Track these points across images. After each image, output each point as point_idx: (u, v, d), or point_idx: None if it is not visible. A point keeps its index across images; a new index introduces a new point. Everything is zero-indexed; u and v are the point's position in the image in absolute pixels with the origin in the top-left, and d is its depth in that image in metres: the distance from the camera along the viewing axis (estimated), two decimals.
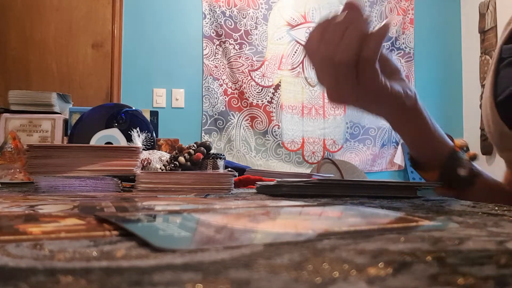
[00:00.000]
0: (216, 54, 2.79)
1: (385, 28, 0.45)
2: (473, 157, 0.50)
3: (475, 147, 2.83)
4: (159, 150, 1.04)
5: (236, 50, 2.80)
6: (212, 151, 0.93)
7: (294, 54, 2.88)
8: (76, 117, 1.22)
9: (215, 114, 2.77)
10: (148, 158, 0.88)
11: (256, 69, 2.82)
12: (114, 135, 0.96)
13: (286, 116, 2.85)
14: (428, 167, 0.58)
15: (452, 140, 0.58)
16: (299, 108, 2.87)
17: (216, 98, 2.77)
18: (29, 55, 2.39)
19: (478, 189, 0.58)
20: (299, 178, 0.70)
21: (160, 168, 0.88)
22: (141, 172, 0.68)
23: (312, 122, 2.88)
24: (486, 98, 0.53)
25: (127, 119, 1.08)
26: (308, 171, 2.67)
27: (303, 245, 0.22)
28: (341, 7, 0.47)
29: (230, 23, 2.80)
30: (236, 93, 2.80)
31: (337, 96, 0.48)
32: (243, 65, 2.80)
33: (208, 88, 2.77)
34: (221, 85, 2.79)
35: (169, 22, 2.76)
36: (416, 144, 0.57)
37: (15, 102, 1.31)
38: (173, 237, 0.24)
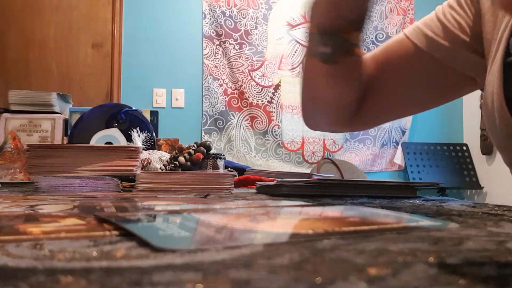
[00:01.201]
0: (216, 54, 2.79)
1: None
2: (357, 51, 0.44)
3: (475, 147, 2.84)
4: (159, 150, 1.04)
5: (236, 50, 2.80)
6: (212, 151, 0.93)
7: (294, 54, 2.88)
8: (76, 117, 1.22)
9: (215, 114, 2.77)
10: (148, 158, 0.88)
11: (256, 69, 2.82)
12: (114, 135, 0.96)
13: (286, 116, 2.85)
14: (316, 22, 0.54)
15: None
16: (299, 108, 2.87)
17: (216, 98, 2.77)
18: (29, 55, 2.40)
19: (333, 71, 0.56)
20: (299, 178, 0.70)
21: (160, 168, 0.88)
22: (141, 172, 0.68)
23: None
24: (493, 95, 0.51)
25: (127, 119, 1.08)
26: (308, 171, 2.67)
27: (303, 245, 0.22)
28: None
29: (230, 23, 2.80)
30: (236, 93, 2.80)
31: None
32: (243, 65, 2.80)
33: (208, 88, 2.77)
34: (221, 85, 2.79)
35: (169, 22, 2.76)
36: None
37: (15, 102, 1.31)
38: (173, 237, 0.24)
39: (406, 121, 2.95)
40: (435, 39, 0.59)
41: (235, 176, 0.73)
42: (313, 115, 0.70)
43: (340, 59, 0.54)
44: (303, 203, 0.46)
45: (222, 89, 2.79)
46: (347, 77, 0.59)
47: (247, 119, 2.80)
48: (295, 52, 2.89)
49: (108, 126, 1.05)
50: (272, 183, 0.64)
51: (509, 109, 0.48)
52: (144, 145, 0.94)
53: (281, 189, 0.61)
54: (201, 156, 0.89)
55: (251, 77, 2.81)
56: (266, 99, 2.83)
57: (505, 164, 0.55)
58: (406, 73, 0.62)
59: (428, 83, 0.63)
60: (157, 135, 1.36)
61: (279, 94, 2.84)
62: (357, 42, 0.53)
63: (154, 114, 1.44)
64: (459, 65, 0.59)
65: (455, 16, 0.58)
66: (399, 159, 2.93)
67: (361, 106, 0.65)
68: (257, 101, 2.81)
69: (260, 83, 2.82)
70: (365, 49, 3.06)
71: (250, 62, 2.81)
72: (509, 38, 0.51)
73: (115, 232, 0.25)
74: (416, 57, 0.61)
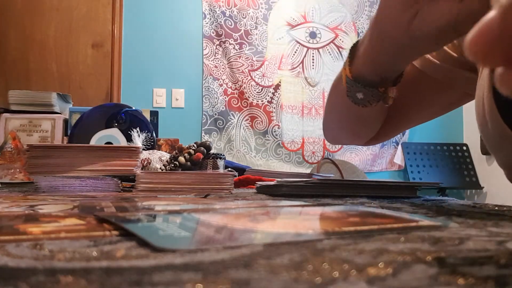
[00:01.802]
0: (216, 54, 2.79)
1: None
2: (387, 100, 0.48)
3: (475, 147, 2.84)
4: (159, 150, 1.04)
5: (236, 50, 2.80)
6: (212, 151, 0.93)
7: (294, 54, 2.88)
8: (76, 117, 1.22)
9: (215, 114, 2.77)
10: (148, 158, 0.88)
11: (256, 69, 2.82)
12: (114, 135, 0.96)
13: (286, 116, 2.85)
14: (356, 71, 0.53)
15: None
16: (299, 108, 2.87)
17: (216, 98, 2.77)
18: (29, 55, 2.39)
19: (366, 110, 0.55)
20: (299, 178, 0.70)
21: (160, 168, 0.88)
22: (141, 172, 0.68)
23: (312, 122, 2.88)
24: (483, 99, 0.52)
25: (127, 119, 1.08)
26: (308, 171, 2.67)
27: (303, 245, 0.22)
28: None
29: (230, 23, 2.80)
30: (236, 93, 2.80)
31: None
32: (243, 65, 2.80)
33: (208, 88, 2.77)
34: (221, 85, 2.79)
35: (169, 22, 2.76)
36: (377, 61, 0.51)
37: (15, 102, 1.31)
38: (173, 237, 0.24)
39: None
40: (426, 57, 0.60)
41: (235, 176, 0.73)
42: (335, 134, 0.74)
43: (372, 105, 0.54)
44: (303, 203, 0.46)
45: (222, 89, 2.79)
46: (375, 116, 0.61)
47: (247, 119, 2.80)
48: (295, 52, 2.89)
49: (108, 126, 1.05)
50: (272, 183, 0.64)
51: (499, 112, 0.49)
52: (144, 145, 0.94)
53: (281, 189, 0.61)
54: (201, 156, 0.89)
55: (251, 77, 2.81)
56: (266, 99, 2.83)
57: (498, 165, 0.56)
58: (409, 91, 0.64)
59: (427, 99, 0.65)
60: (157, 135, 1.36)
61: (279, 94, 2.84)
62: (392, 95, 0.53)
63: (154, 114, 1.44)
64: (451, 81, 0.61)
65: None
66: (399, 159, 2.93)
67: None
68: (257, 101, 2.81)
69: (260, 83, 2.82)
70: None
71: (250, 62, 2.81)
72: None
73: (115, 232, 0.25)
74: (414, 76, 0.62)
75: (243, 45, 2.81)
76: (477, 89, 0.54)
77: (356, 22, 2.96)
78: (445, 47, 0.59)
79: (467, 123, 3.01)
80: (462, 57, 0.58)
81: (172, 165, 0.87)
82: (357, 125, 0.65)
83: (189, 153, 0.89)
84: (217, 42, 2.79)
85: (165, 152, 1.01)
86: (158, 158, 0.90)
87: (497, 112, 0.49)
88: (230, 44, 2.79)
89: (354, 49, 0.53)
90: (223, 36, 2.79)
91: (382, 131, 0.67)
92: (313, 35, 2.92)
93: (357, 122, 0.64)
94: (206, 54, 2.78)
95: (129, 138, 0.92)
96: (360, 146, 2.92)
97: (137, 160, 0.69)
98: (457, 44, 0.58)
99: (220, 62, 2.79)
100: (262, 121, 2.82)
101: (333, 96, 0.64)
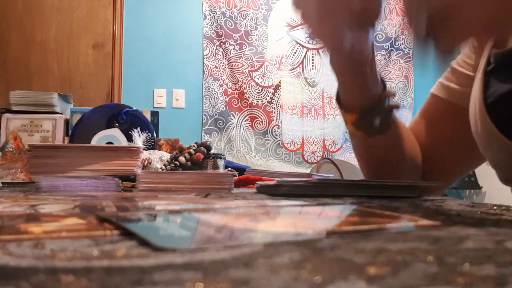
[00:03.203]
0: (216, 55, 2.79)
1: None
2: (397, 106, 0.48)
3: None
4: (160, 150, 1.04)
5: (236, 50, 2.80)
6: (212, 151, 0.93)
7: (294, 55, 2.88)
8: (77, 117, 1.22)
9: (215, 114, 2.77)
10: (149, 158, 0.88)
11: (256, 70, 2.82)
12: (114, 135, 0.96)
13: (286, 116, 2.85)
14: (350, 108, 0.57)
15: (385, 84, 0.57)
16: (299, 108, 2.87)
17: (216, 98, 2.77)
18: (30, 56, 2.40)
19: (386, 138, 0.59)
20: (299, 178, 0.70)
21: (161, 168, 0.88)
22: (142, 172, 0.68)
23: (311, 122, 2.88)
24: (476, 100, 0.54)
25: (128, 119, 1.08)
26: (308, 171, 2.67)
27: (303, 244, 0.22)
28: None
29: (230, 24, 2.80)
30: (236, 93, 2.80)
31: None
32: (243, 65, 2.81)
33: (208, 89, 2.77)
34: (221, 86, 2.79)
35: (170, 23, 2.76)
36: (350, 86, 0.55)
37: (16, 102, 1.31)
38: (173, 236, 0.24)
39: (406, 121, 2.95)
40: (454, 87, 0.63)
41: (235, 176, 0.73)
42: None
43: (385, 128, 0.56)
44: (303, 203, 0.46)
45: (222, 89, 2.79)
46: (391, 143, 0.62)
47: (247, 119, 2.80)
48: (295, 52, 2.89)
49: (109, 126, 1.05)
50: (272, 183, 0.64)
51: (488, 113, 0.52)
52: (145, 145, 0.94)
53: (281, 189, 0.61)
54: (202, 156, 0.89)
55: (251, 77, 2.81)
56: (266, 99, 2.83)
57: (491, 166, 0.57)
58: (449, 130, 0.65)
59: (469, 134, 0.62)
60: (157, 135, 1.36)
61: (279, 94, 2.84)
62: (393, 97, 0.55)
63: (155, 114, 1.44)
64: None
65: (465, 59, 0.63)
66: None
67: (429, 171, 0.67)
68: (257, 101, 2.82)
69: (260, 84, 2.82)
70: None
71: (250, 62, 2.81)
72: (491, 49, 0.55)
73: (116, 232, 0.25)
74: (450, 112, 0.64)
75: (243, 46, 2.81)
76: (472, 93, 0.57)
77: None
78: (468, 72, 0.61)
79: None
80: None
81: (173, 165, 0.87)
82: (383, 168, 0.65)
83: (190, 153, 0.89)
84: (217, 43, 2.79)
85: (166, 152, 1.01)
86: (159, 158, 0.90)
87: (485, 111, 0.52)
88: (230, 44, 2.79)
89: (338, 101, 0.58)
90: (223, 36, 2.79)
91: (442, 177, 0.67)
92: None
93: (381, 163, 0.65)
94: (207, 54, 2.78)
95: (129, 138, 0.92)
96: None
97: (138, 160, 0.69)
98: (476, 65, 0.60)
99: (220, 63, 2.80)
100: (262, 121, 2.82)
101: (358, 155, 0.66)
